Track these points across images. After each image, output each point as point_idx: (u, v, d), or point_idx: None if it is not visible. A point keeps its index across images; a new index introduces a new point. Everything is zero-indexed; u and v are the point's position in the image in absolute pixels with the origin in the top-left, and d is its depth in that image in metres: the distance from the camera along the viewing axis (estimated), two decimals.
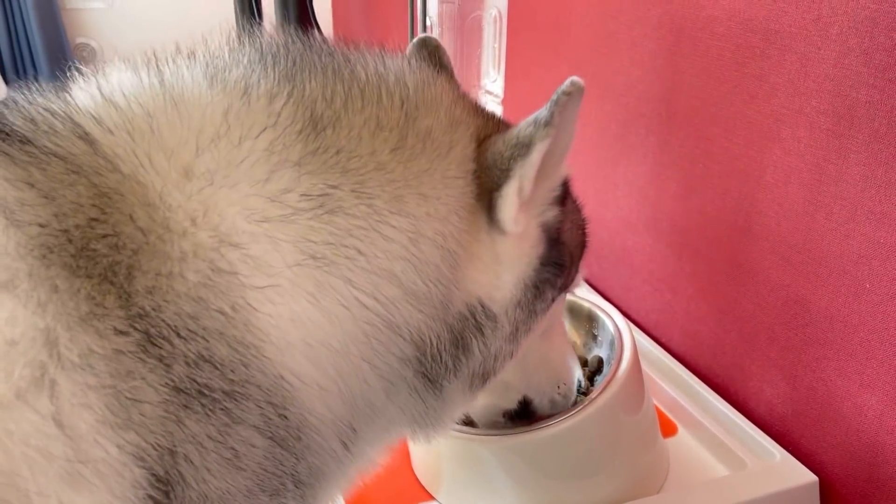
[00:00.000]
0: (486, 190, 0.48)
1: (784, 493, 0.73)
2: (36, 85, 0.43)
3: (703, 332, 0.91)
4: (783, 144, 0.74)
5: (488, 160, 0.48)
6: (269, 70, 0.45)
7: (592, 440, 0.67)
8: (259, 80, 0.44)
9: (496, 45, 1.20)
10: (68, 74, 0.45)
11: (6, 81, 2.53)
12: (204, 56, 0.46)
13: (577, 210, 0.59)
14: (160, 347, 0.37)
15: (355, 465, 0.49)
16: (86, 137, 0.40)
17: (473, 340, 0.49)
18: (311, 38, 0.49)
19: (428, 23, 1.23)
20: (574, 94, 0.45)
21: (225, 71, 0.44)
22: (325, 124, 0.44)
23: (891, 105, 0.63)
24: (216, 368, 0.38)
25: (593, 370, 0.77)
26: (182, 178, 0.40)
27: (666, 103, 0.91)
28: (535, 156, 0.46)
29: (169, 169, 0.40)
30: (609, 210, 1.06)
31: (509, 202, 0.47)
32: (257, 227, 0.40)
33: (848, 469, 0.73)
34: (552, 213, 0.53)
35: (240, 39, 0.48)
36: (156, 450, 0.36)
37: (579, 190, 0.60)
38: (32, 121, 0.40)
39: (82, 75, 0.44)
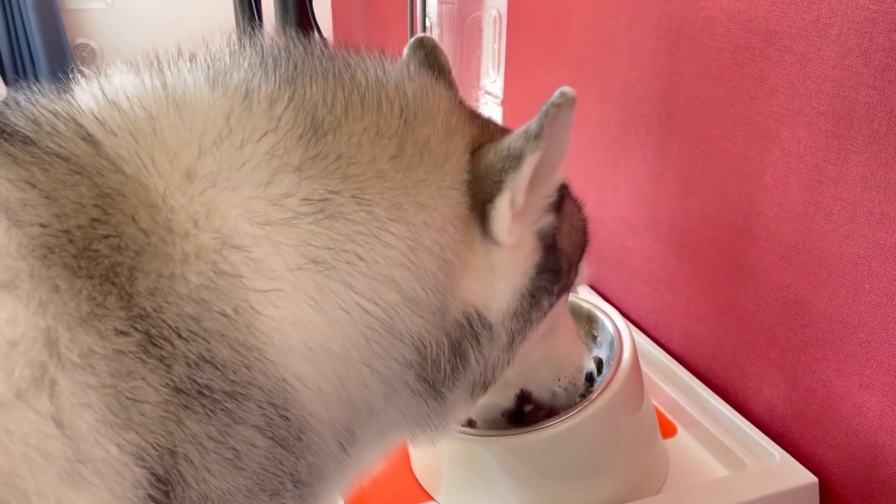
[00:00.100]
0: (480, 201, 0.48)
1: (784, 493, 0.73)
2: (37, 86, 0.43)
3: (703, 333, 0.91)
4: (783, 145, 0.74)
5: (481, 171, 0.48)
6: (269, 74, 0.45)
7: (592, 441, 0.67)
8: (260, 84, 0.44)
9: (496, 46, 1.20)
10: (70, 76, 0.45)
11: (6, 81, 2.53)
12: (205, 59, 0.46)
13: (577, 211, 0.59)
14: (161, 348, 0.37)
15: (353, 468, 0.49)
16: (89, 139, 0.40)
17: (470, 349, 0.49)
18: (312, 43, 0.49)
19: (428, 23, 1.23)
20: (564, 105, 0.45)
21: (226, 74, 0.45)
22: (326, 130, 0.44)
23: (890, 106, 0.63)
24: (217, 369, 0.38)
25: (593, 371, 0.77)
26: (184, 181, 0.40)
27: (665, 104, 0.91)
28: (526, 168, 0.46)
29: (171, 171, 0.40)
30: (609, 211, 1.06)
31: (501, 214, 0.47)
32: (259, 229, 0.40)
33: (847, 470, 0.73)
34: (547, 220, 0.53)
35: (240, 42, 0.48)
36: (156, 450, 0.36)
37: (579, 190, 0.60)
38: (35, 121, 0.40)
39: (84, 77, 0.45)
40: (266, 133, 0.42)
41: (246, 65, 0.46)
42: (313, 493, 0.45)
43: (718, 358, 0.89)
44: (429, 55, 0.60)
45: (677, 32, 0.87)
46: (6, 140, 0.38)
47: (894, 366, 0.67)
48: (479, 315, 0.49)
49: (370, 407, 0.46)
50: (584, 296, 0.83)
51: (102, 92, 0.43)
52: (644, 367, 0.78)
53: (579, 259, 0.59)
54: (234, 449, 0.39)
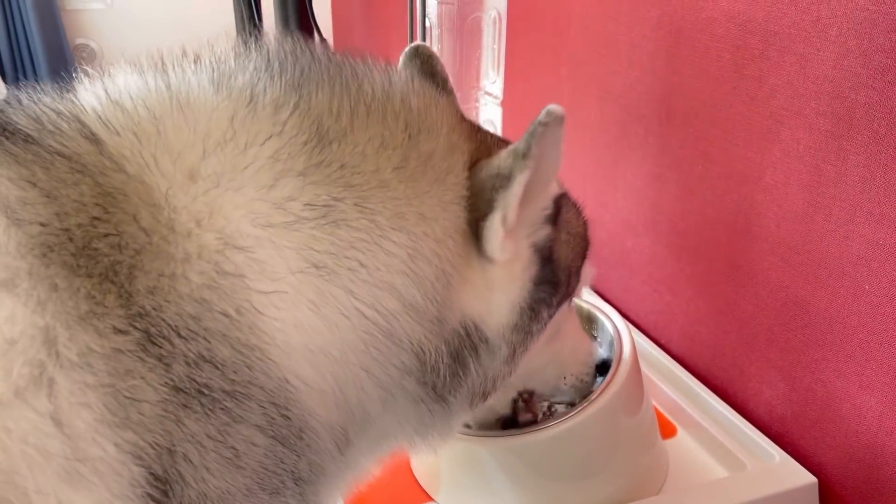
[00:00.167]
0: (475, 218, 0.48)
1: (783, 494, 0.73)
2: (39, 85, 0.43)
3: (703, 334, 0.91)
4: (782, 146, 0.74)
5: (475, 189, 0.48)
6: (275, 79, 0.45)
7: (592, 441, 0.67)
8: (265, 89, 0.44)
9: (495, 47, 1.21)
10: (74, 76, 0.45)
11: (6, 81, 2.53)
12: (210, 61, 0.46)
13: (575, 218, 0.59)
14: (160, 347, 0.37)
15: (349, 471, 0.49)
16: (92, 138, 0.40)
17: (470, 359, 0.49)
18: (320, 49, 0.49)
19: (427, 24, 1.23)
20: (552, 123, 0.45)
21: (231, 77, 0.45)
22: (332, 139, 0.44)
23: (890, 107, 0.63)
24: (217, 369, 0.38)
25: None
26: (187, 181, 0.40)
27: (665, 105, 0.91)
28: (516, 187, 0.47)
29: (174, 171, 0.40)
30: (608, 211, 1.06)
31: (494, 232, 0.48)
32: (262, 231, 0.41)
33: (847, 470, 0.73)
34: (543, 233, 0.53)
35: (246, 45, 0.48)
36: (154, 449, 0.36)
37: (578, 191, 0.60)
38: (38, 120, 0.40)
39: (88, 77, 0.45)
40: (270, 137, 0.42)
41: (251, 68, 0.46)
42: (314, 491, 0.45)
43: (718, 358, 0.89)
44: (425, 63, 0.60)
45: (677, 33, 0.87)
46: (7, 139, 0.38)
47: (894, 366, 0.67)
48: (476, 328, 0.49)
49: (366, 412, 0.46)
50: (583, 296, 0.83)
51: (106, 92, 0.43)
52: (644, 368, 0.78)
53: (580, 265, 0.59)
54: (233, 448, 0.39)
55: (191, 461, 0.37)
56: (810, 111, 0.71)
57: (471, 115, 0.56)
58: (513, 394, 0.65)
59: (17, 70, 2.64)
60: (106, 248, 0.37)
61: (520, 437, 0.65)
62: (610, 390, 0.67)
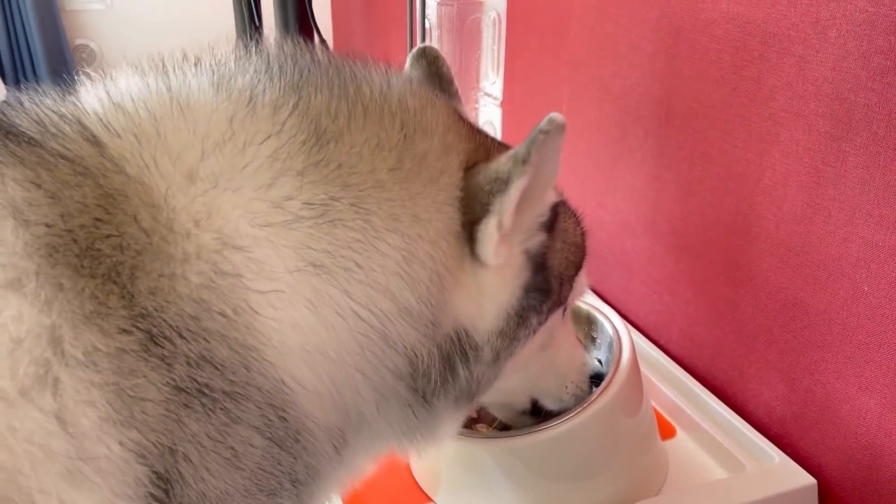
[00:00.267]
0: (470, 220, 0.48)
1: (783, 495, 0.73)
2: (42, 88, 0.44)
3: (702, 335, 0.91)
4: (781, 147, 0.75)
5: (472, 191, 0.48)
6: (275, 80, 0.45)
7: (591, 442, 0.68)
8: (265, 90, 0.45)
9: (495, 48, 1.21)
10: (76, 78, 0.45)
11: (5, 82, 2.53)
12: (210, 64, 0.47)
13: (573, 227, 0.59)
14: (162, 347, 0.37)
15: (346, 471, 0.50)
16: (93, 140, 0.40)
17: (458, 364, 0.49)
18: (320, 52, 0.50)
19: (427, 25, 1.23)
20: (553, 131, 0.46)
21: (231, 79, 0.45)
22: (329, 138, 0.44)
23: (889, 108, 0.63)
24: (216, 369, 0.38)
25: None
26: (186, 181, 0.41)
27: (664, 106, 0.91)
28: (513, 193, 0.47)
29: (174, 172, 0.41)
30: (608, 212, 1.06)
31: (488, 236, 0.48)
32: (260, 230, 0.41)
33: (846, 472, 0.73)
34: (538, 240, 0.53)
35: (246, 48, 0.48)
36: (157, 448, 0.36)
37: (577, 192, 0.60)
38: (40, 123, 0.40)
39: (90, 79, 0.45)
40: (269, 136, 0.43)
41: (251, 70, 0.46)
42: (310, 493, 0.45)
43: (717, 359, 0.89)
44: (431, 65, 0.60)
45: (676, 34, 0.87)
46: (12, 141, 0.39)
47: (893, 368, 0.67)
48: (467, 334, 0.49)
49: (361, 414, 0.46)
50: (583, 297, 0.83)
51: (107, 94, 0.44)
52: (643, 369, 0.78)
53: (573, 275, 0.59)
54: (232, 448, 0.39)
55: (191, 461, 0.37)
56: (809, 112, 0.71)
57: (470, 116, 0.56)
58: (524, 400, 0.65)
59: (17, 70, 2.64)
60: (108, 248, 0.37)
61: (519, 437, 0.65)
62: (609, 391, 0.67)
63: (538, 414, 0.67)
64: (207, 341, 0.38)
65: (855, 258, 0.68)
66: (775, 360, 0.80)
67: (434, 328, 0.47)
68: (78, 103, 0.43)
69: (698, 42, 0.84)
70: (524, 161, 0.46)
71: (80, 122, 0.41)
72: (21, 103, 0.42)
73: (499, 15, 1.20)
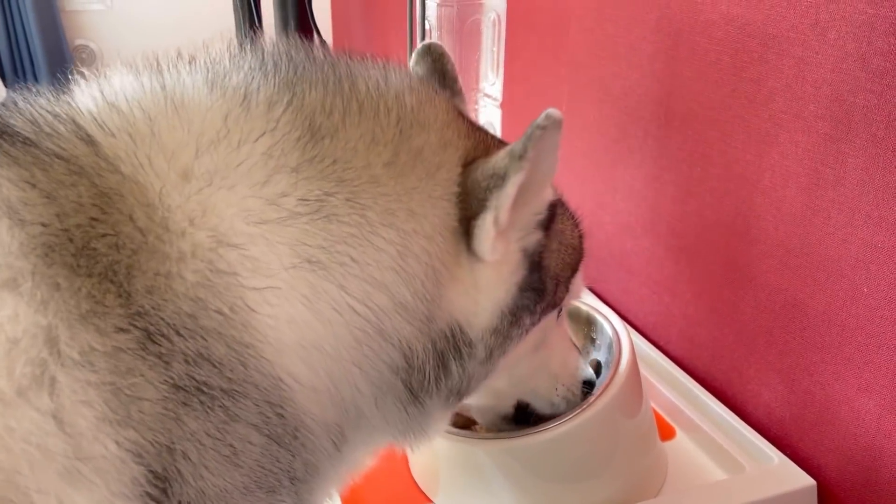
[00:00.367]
0: (466, 216, 0.48)
1: (782, 496, 0.73)
2: (36, 87, 0.44)
3: (702, 336, 0.91)
4: (781, 148, 0.75)
5: (468, 186, 0.48)
6: (269, 77, 0.46)
7: (590, 444, 0.67)
8: (259, 87, 0.45)
9: (495, 49, 1.21)
10: (70, 77, 0.45)
11: (5, 83, 2.53)
12: (204, 62, 0.47)
13: (570, 228, 0.59)
14: (159, 345, 0.37)
15: (345, 466, 0.50)
16: (87, 139, 0.40)
17: (453, 360, 0.49)
18: (315, 49, 0.50)
19: (427, 26, 1.23)
20: (550, 127, 0.46)
21: (225, 77, 0.45)
22: (324, 134, 0.44)
23: (888, 109, 0.63)
24: (214, 367, 0.38)
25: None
26: (181, 180, 0.41)
27: (664, 107, 0.91)
28: (510, 189, 0.47)
29: (168, 170, 0.41)
30: (607, 213, 1.06)
31: (485, 231, 0.48)
32: (255, 228, 0.41)
33: (846, 473, 0.73)
34: (534, 238, 0.53)
35: (240, 46, 0.48)
36: (154, 447, 0.36)
37: (577, 193, 0.60)
38: (35, 122, 0.40)
39: (84, 79, 0.45)
40: (264, 134, 0.43)
41: (245, 68, 0.46)
42: (309, 490, 0.45)
43: (717, 361, 0.89)
44: (436, 62, 0.60)
45: (676, 35, 0.87)
46: (6, 141, 0.39)
47: (892, 369, 0.67)
48: (461, 330, 0.49)
49: (360, 409, 0.46)
50: (582, 298, 0.83)
51: (102, 93, 0.44)
52: (642, 370, 0.78)
53: (569, 277, 0.59)
54: (231, 446, 0.39)
55: (190, 459, 0.37)
56: (809, 114, 0.71)
57: (470, 117, 0.57)
58: (510, 402, 0.65)
59: (17, 71, 2.64)
60: (104, 248, 0.37)
61: (518, 439, 0.65)
62: (609, 392, 0.67)
63: (523, 421, 0.66)
64: (205, 339, 0.38)
65: (854, 259, 0.68)
66: (775, 361, 0.80)
67: (429, 323, 0.47)
68: (72, 103, 0.43)
69: (698, 43, 0.84)
70: (521, 157, 0.46)
71: (74, 122, 0.41)
72: (15, 103, 0.42)
73: (498, 16, 1.20)
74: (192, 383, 0.37)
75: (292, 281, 0.41)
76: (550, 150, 0.48)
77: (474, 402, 0.65)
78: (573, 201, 0.62)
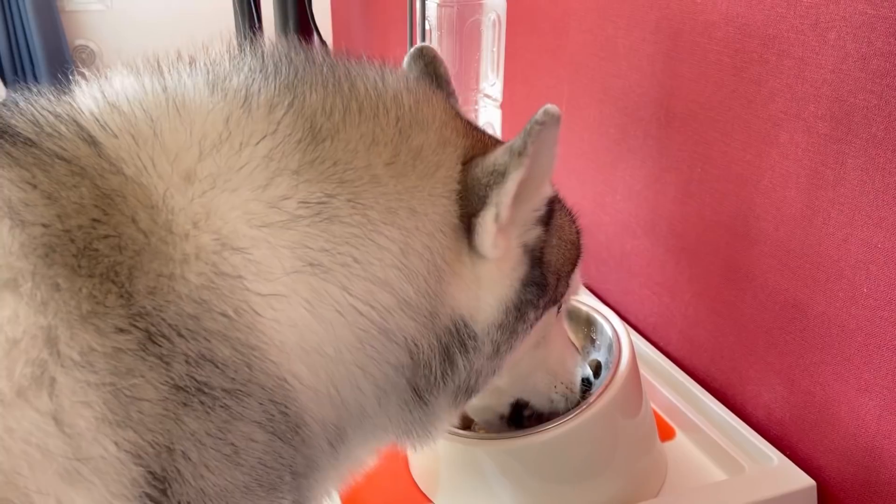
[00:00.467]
0: (467, 213, 0.49)
1: (782, 497, 0.73)
2: (37, 87, 0.44)
3: (701, 336, 0.91)
4: (781, 149, 0.75)
5: (469, 184, 0.49)
6: (269, 80, 0.46)
7: (590, 444, 0.67)
8: (259, 89, 0.45)
9: (495, 49, 1.20)
10: (71, 78, 0.45)
11: (5, 83, 2.53)
12: (205, 63, 0.47)
13: (568, 224, 0.59)
14: (160, 346, 0.37)
15: (344, 464, 0.50)
16: (90, 140, 0.40)
17: (458, 356, 0.50)
18: (315, 51, 0.50)
19: (427, 27, 1.23)
20: (548, 122, 0.46)
21: (226, 79, 0.45)
22: (324, 136, 0.45)
23: (888, 110, 0.63)
24: (217, 368, 0.38)
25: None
26: (184, 182, 0.41)
27: (664, 107, 0.91)
28: (510, 185, 0.47)
29: (171, 172, 0.41)
30: (607, 214, 1.06)
31: (486, 228, 0.48)
32: (258, 231, 0.41)
33: (845, 473, 0.73)
34: (535, 234, 0.53)
35: (240, 48, 0.48)
36: (153, 448, 0.36)
37: (577, 194, 0.60)
38: (36, 123, 0.40)
39: (85, 79, 0.45)
40: (265, 136, 0.43)
41: (246, 70, 0.46)
42: (308, 485, 0.45)
43: (717, 361, 0.89)
44: (429, 65, 0.61)
45: (676, 36, 0.87)
46: (7, 141, 0.39)
47: (892, 369, 0.67)
48: (465, 325, 0.50)
49: (362, 409, 0.47)
50: (582, 299, 0.83)
51: (103, 94, 0.43)
52: (642, 371, 0.78)
53: (569, 272, 0.59)
54: (232, 444, 0.39)
55: (190, 459, 0.37)
56: (809, 114, 0.71)
57: (470, 118, 0.57)
58: (508, 401, 0.65)
59: (17, 71, 2.64)
60: (106, 249, 0.37)
61: (518, 439, 0.65)
62: (609, 393, 0.67)
63: (518, 422, 0.67)
64: (208, 340, 0.38)
65: (854, 260, 0.69)
66: (774, 362, 0.80)
67: (433, 319, 0.47)
68: (73, 103, 0.43)
69: (698, 44, 0.84)
70: (521, 153, 0.46)
71: (76, 122, 0.41)
72: (16, 103, 0.42)
73: (499, 17, 1.20)
74: (192, 384, 0.37)
75: (294, 285, 0.41)
76: (549, 146, 0.48)
77: (473, 401, 0.65)
78: (573, 202, 0.62)
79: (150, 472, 0.36)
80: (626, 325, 0.77)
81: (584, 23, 1.05)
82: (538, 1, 1.17)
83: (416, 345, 0.47)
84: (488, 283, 0.50)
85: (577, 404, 0.67)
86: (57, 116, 0.41)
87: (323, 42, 1.57)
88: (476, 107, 1.28)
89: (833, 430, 0.74)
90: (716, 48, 0.81)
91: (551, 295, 0.56)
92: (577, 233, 0.60)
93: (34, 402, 0.34)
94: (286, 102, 0.45)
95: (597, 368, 0.77)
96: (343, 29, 2.45)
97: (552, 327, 0.63)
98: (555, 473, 0.68)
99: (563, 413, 0.66)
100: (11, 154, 0.38)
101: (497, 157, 0.48)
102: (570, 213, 0.60)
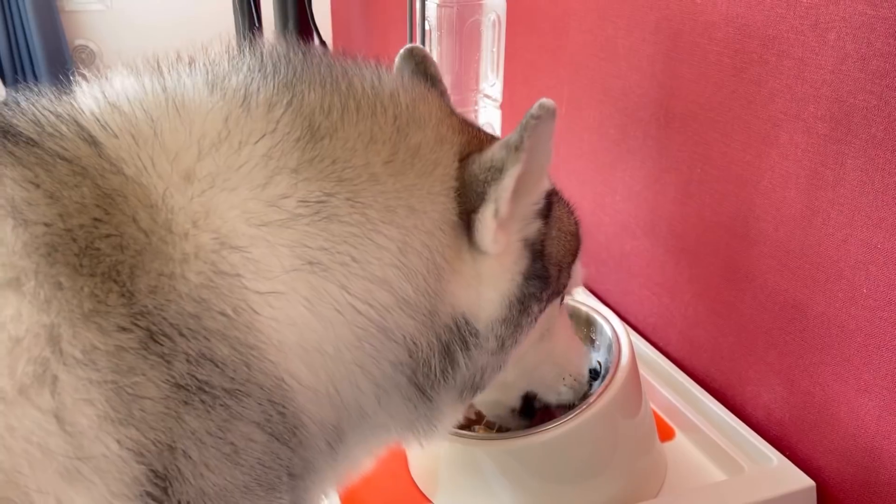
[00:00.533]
0: (466, 210, 0.49)
1: (781, 497, 0.73)
2: (38, 87, 0.44)
3: (701, 337, 0.91)
4: (781, 149, 0.75)
5: (466, 181, 0.49)
6: (268, 79, 0.46)
7: (590, 444, 0.68)
8: (258, 89, 0.45)
9: (495, 49, 1.21)
10: (72, 78, 0.45)
11: (5, 83, 2.53)
12: (204, 63, 0.47)
13: (567, 215, 0.59)
14: (161, 345, 0.37)
15: (342, 465, 0.50)
16: (90, 140, 0.41)
17: (458, 353, 0.50)
18: (312, 50, 0.50)
19: (427, 27, 1.23)
20: (544, 116, 0.46)
21: (225, 78, 0.46)
22: (323, 135, 0.45)
23: (888, 110, 0.63)
24: (217, 367, 0.38)
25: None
26: (184, 182, 0.41)
27: (664, 108, 0.91)
28: (508, 180, 0.47)
29: (171, 172, 0.41)
30: (607, 214, 1.06)
31: (485, 224, 0.48)
32: (257, 230, 0.41)
33: (845, 474, 0.73)
34: (535, 227, 0.53)
35: (239, 47, 0.49)
36: (155, 446, 0.36)
37: (577, 194, 0.60)
38: (37, 123, 0.41)
39: (86, 80, 0.45)
40: (264, 135, 0.43)
41: (245, 69, 0.47)
42: (305, 486, 0.45)
43: (716, 362, 0.89)
44: (419, 65, 0.61)
45: (676, 36, 0.87)
46: (10, 141, 0.39)
47: (891, 370, 0.67)
48: (466, 322, 0.50)
49: (361, 408, 0.47)
50: (582, 299, 0.83)
51: (103, 94, 0.44)
52: (642, 371, 0.78)
53: (570, 263, 0.60)
54: (232, 444, 0.39)
55: (190, 458, 0.37)
56: (808, 115, 0.71)
57: (470, 118, 0.57)
58: (517, 394, 0.65)
59: (17, 71, 2.64)
60: (108, 248, 0.37)
61: (518, 439, 0.65)
62: (608, 393, 0.67)
63: (529, 415, 0.67)
64: (208, 339, 0.38)
65: (854, 260, 0.69)
66: (774, 363, 0.80)
67: (432, 317, 0.47)
68: (74, 103, 0.43)
69: (698, 44, 0.84)
70: (517, 147, 0.46)
71: (76, 122, 0.41)
72: (18, 103, 0.42)
73: (498, 17, 1.20)
74: (193, 382, 0.38)
75: (293, 283, 0.41)
76: (546, 139, 0.48)
77: (482, 397, 0.65)
78: (573, 202, 0.62)
79: (152, 471, 0.36)
80: (626, 326, 0.77)
81: (584, 23, 1.05)
82: (538, 1, 1.17)
83: (415, 343, 0.47)
84: (490, 278, 0.51)
85: (585, 396, 0.67)
86: (58, 116, 0.41)
87: (323, 42, 1.58)
88: (476, 107, 1.28)
89: (832, 430, 0.74)
90: (716, 49, 0.81)
91: (554, 287, 0.57)
92: (576, 223, 0.61)
93: (36, 400, 0.34)
94: (285, 101, 0.45)
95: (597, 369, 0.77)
96: (343, 29, 2.45)
97: (556, 320, 0.63)
98: (555, 473, 0.68)
99: (573, 403, 0.66)
100: (14, 153, 0.38)
101: (494, 152, 0.48)
102: (568, 205, 0.60)
